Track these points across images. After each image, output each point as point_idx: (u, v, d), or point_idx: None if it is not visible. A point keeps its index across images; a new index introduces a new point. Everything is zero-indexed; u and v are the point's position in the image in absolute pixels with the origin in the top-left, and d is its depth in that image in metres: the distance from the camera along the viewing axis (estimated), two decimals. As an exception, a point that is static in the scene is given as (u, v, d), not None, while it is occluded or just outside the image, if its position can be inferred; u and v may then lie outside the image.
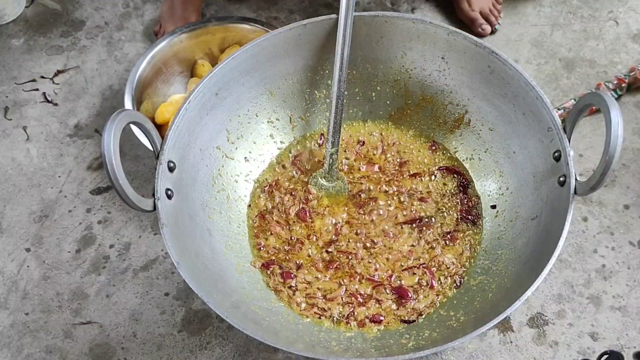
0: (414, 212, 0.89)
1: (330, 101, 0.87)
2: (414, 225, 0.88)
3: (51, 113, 1.12)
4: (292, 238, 0.88)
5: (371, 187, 0.91)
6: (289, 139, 0.96)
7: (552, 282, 0.91)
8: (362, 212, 0.89)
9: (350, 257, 0.86)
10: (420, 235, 0.87)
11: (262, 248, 0.87)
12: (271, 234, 0.88)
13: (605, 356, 0.83)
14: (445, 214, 0.89)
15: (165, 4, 1.16)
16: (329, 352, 0.74)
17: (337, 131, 0.88)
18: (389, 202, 0.90)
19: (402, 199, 0.90)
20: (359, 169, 0.93)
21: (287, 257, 0.86)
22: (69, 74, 1.16)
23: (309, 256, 0.86)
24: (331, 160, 0.90)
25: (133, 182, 1.02)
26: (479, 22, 1.16)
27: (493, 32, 1.17)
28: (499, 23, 1.17)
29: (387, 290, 0.83)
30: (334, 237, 0.88)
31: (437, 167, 0.93)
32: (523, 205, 0.84)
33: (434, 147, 0.94)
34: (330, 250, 0.86)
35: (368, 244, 0.87)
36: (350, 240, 0.87)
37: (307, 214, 0.89)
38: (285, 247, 0.87)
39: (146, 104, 1.03)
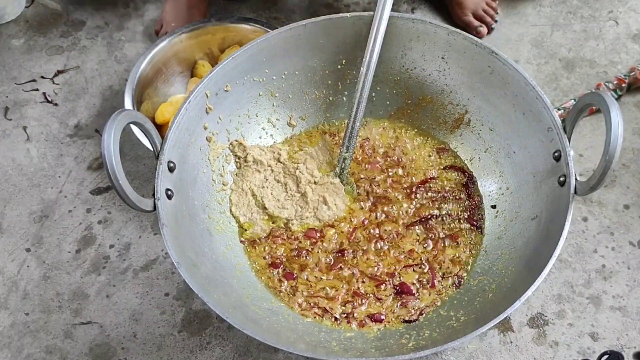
0: (418, 211, 0.89)
1: (352, 106, 0.86)
2: (419, 224, 0.88)
3: (51, 113, 1.12)
4: (299, 248, 0.87)
5: (377, 188, 0.91)
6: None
7: (552, 282, 0.91)
8: (373, 213, 0.89)
9: (355, 257, 0.86)
10: (424, 235, 0.87)
11: (266, 257, 0.87)
12: (277, 246, 0.88)
13: (605, 356, 0.83)
14: (447, 213, 0.89)
15: (168, 4, 1.15)
16: (329, 352, 0.74)
17: (354, 136, 0.88)
18: (395, 202, 0.90)
19: (407, 199, 0.90)
20: (365, 169, 0.93)
21: (292, 261, 0.86)
22: (69, 74, 1.16)
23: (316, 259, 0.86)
24: (344, 164, 0.90)
25: (133, 182, 1.02)
26: (473, 25, 1.16)
27: (490, 31, 1.17)
28: (495, 21, 1.17)
29: (389, 287, 0.83)
30: (345, 243, 0.87)
31: (440, 167, 0.93)
32: (523, 205, 0.84)
33: (440, 148, 0.94)
34: (338, 254, 0.86)
35: (377, 244, 0.87)
36: (361, 242, 0.87)
37: (316, 232, 0.89)
38: (292, 254, 0.87)
39: (146, 104, 1.03)
